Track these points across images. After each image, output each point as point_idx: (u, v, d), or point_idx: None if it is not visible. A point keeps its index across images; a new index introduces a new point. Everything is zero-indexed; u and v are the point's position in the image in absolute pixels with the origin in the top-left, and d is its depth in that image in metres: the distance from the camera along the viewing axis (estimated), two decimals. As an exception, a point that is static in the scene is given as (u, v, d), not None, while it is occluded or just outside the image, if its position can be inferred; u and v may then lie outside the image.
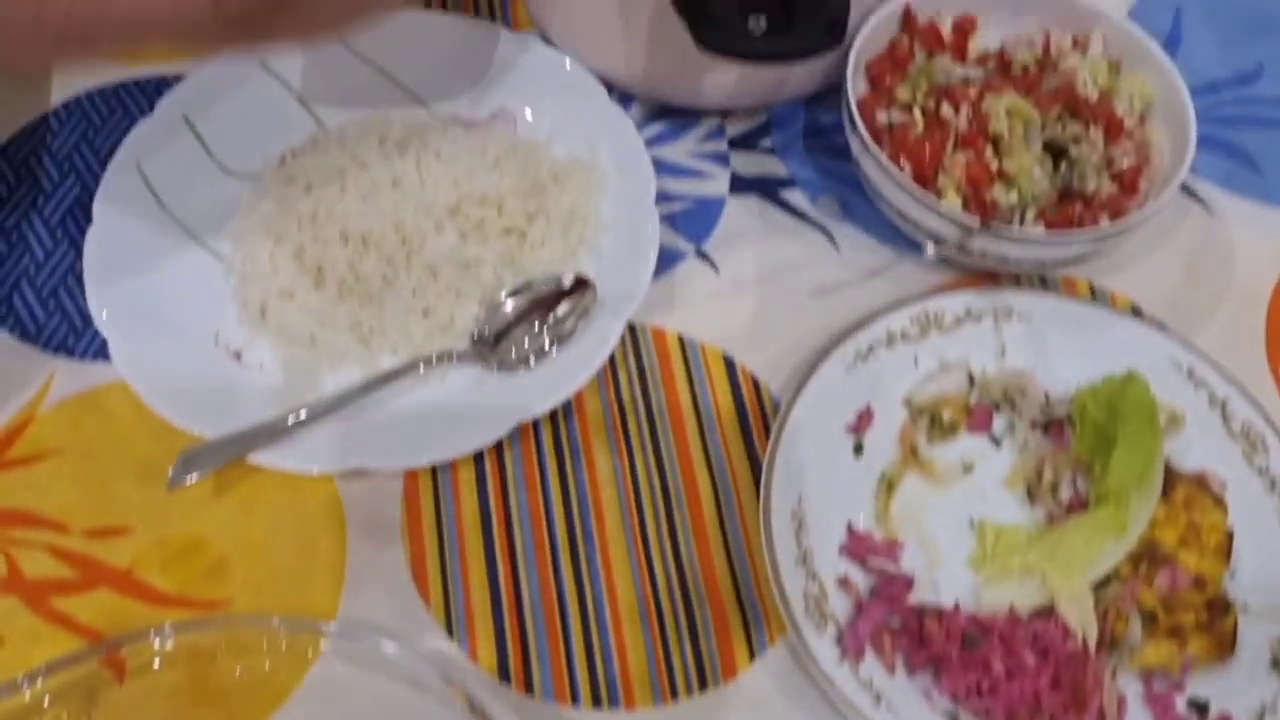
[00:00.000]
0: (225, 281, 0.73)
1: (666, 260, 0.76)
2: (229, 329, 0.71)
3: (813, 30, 0.65)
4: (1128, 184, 0.74)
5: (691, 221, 0.78)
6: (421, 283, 0.71)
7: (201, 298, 0.72)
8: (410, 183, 0.74)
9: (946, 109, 0.75)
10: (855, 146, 0.73)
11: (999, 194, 0.72)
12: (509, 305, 0.71)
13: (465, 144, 0.76)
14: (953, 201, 0.71)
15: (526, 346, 0.70)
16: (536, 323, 0.71)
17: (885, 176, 0.71)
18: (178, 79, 0.78)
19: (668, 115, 0.83)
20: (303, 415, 0.66)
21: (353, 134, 0.77)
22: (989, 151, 0.73)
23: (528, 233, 0.74)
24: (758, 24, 0.68)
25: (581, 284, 0.71)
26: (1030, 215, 0.72)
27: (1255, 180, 0.82)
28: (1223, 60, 0.88)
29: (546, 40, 0.82)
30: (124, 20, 0.52)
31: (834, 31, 0.65)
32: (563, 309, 0.71)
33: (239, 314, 0.72)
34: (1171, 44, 0.88)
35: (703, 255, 0.77)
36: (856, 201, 0.79)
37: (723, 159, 0.81)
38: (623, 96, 0.82)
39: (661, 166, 0.80)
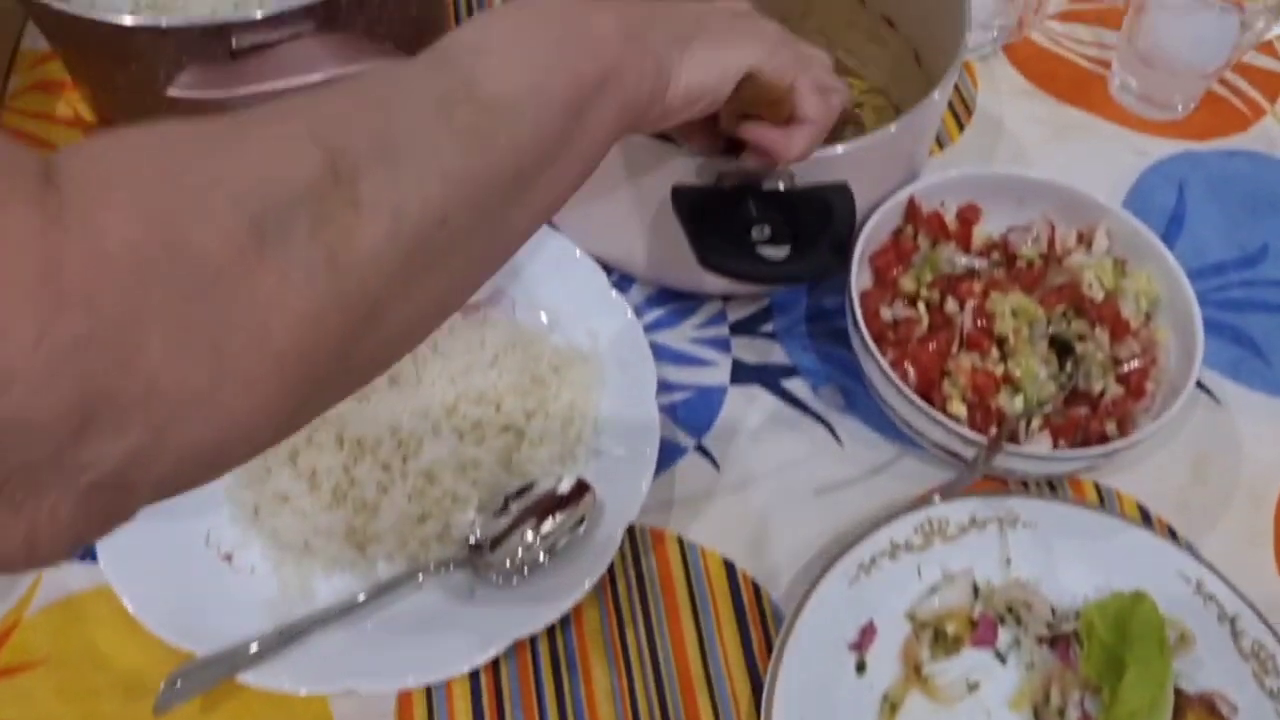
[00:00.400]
0: (218, 479, 0.72)
1: (666, 455, 0.75)
2: (220, 528, 0.70)
3: (818, 252, 0.64)
4: (1134, 387, 0.73)
5: (692, 412, 0.77)
6: (418, 488, 0.70)
7: (193, 494, 0.71)
8: (408, 380, 0.73)
9: (952, 305, 0.75)
10: (858, 347, 0.72)
11: (1004, 401, 0.71)
12: (507, 511, 0.70)
13: (463, 337, 0.75)
14: (957, 410, 0.70)
15: (523, 555, 0.69)
16: (534, 530, 0.69)
17: (889, 384, 0.70)
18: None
19: (669, 299, 0.82)
20: (293, 633, 0.64)
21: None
22: (995, 352, 0.72)
23: (526, 431, 0.73)
24: (762, 233, 0.67)
25: (581, 488, 0.70)
26: (1036, 423, 0.71)
27: (1262, 369, 0.81)
28: (1227, 240, 0.87)
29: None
30: None
31: (840, 253, 0.64)
32: (561, 516, 0.70)
33: (231, 513, 0.71)
34: (1175, 222, 0.88)
35: (703, 450, 0.76)
36: (859, 392, 0.78)
37: (724, 345, 0.80)
38: (622, 277, 0.81)
39: (662, 353, 0.79)
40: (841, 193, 0.67)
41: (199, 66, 0.73)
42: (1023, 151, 0.92)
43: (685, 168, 0.68)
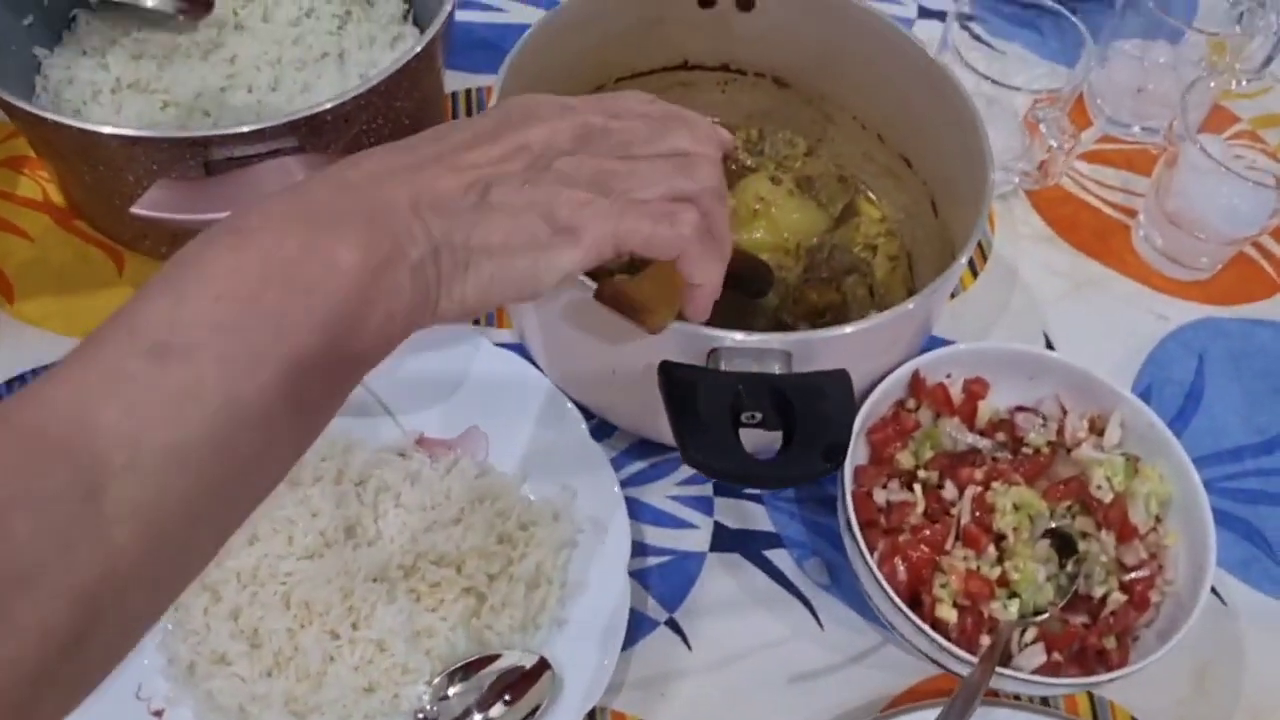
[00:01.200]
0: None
1: (636, 628, 0.70)
2: (152, 681, 0.66)
3: (810, 457, 0.59)
4: (1138, 597, 0.68)
5: (667, 580, 0.73)
6: (367, 657, 0.65)
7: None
8: (365, 534, 0.68)
9: (950, 490, 0.70)
10: (847, 541, 0.68)
11: (998, 610, 0.66)
12: (459, 686, 0.65)
13: (428, 488, 0.71)
14: (947, 614, 0.66)
15: (474, 739, 0.64)
16: (488, 710, 0.65)
17: (876, 586, 0.65)
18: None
19: (651, 451, 0.77)
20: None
21: (308, 465, 0.72)
22: (991, 550, 0.68)
23: (488, 595, 0.68)
24: (752, 417, 0.62)
25: (541, 665, 0.66)
26: (1030, 634, 0.66)
27: (1273, 570, 0.77)
28: (1246, 422, 0.83)
29: (527, 353, 0.77)
30: None
31: (834, 459, 0.59)
32: (518, 696, 0.65)
33: (165, 667, 0.66)
34: (1193, 398, 0.83)
35: (674, 625, 0.71)
36: (845, 567, 0.73)
37: (706, 505, 0.76)
38: (603, 422, 0.77)
39: (640, 511, 0.75)
40: (840, 384, 0.62)
41: (169, 183, 0.68)
42: (1038, 306, 0.87)
43: (675, 341, 0.64)
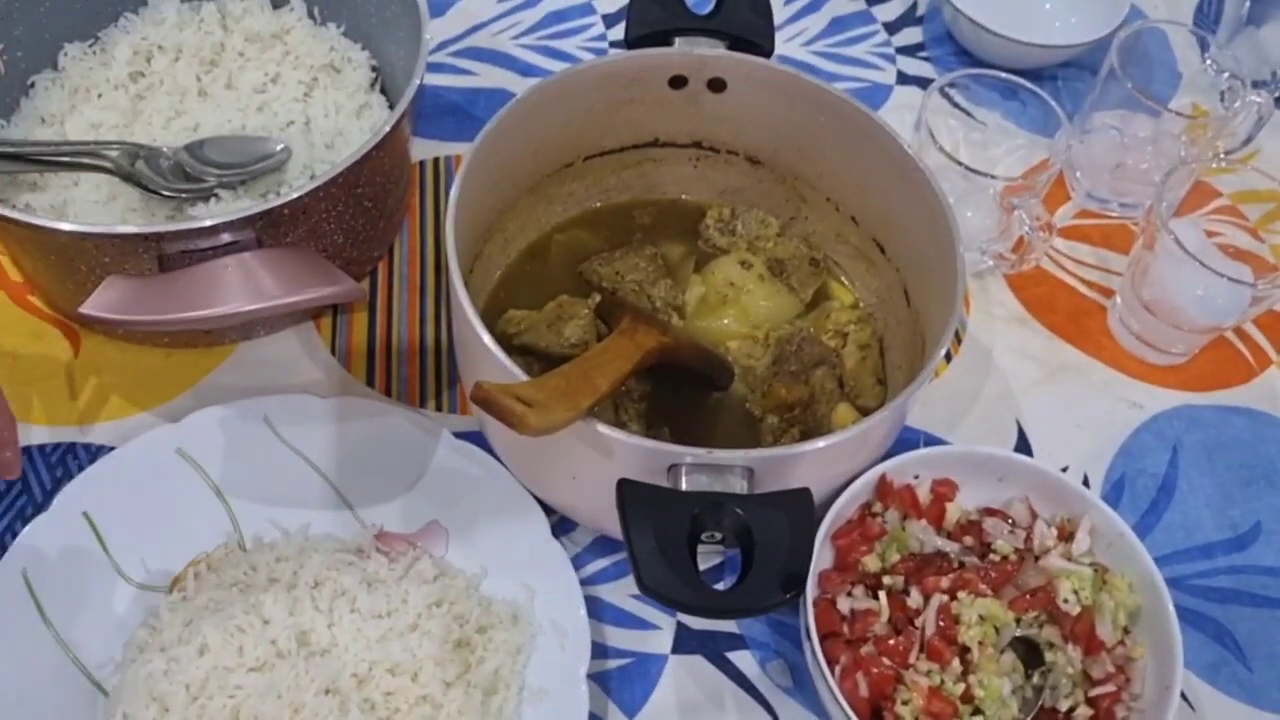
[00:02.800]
0: (106, 726, 0.66)
1: (594, 735, 0.69)
2: (97, 796, 0.64)
3: (767, 585, 0.58)
4: (1104, 713, 0.67)
5: (627, 684, 0.71)
6: (316, 773, 0.64)
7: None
8: (319, 643, 0.67)
9: (916, 598, 0.69)
10: (809, 656, 0.67)
11: (961, 730, 0.65)
12: (412, 801, 0.64)
13: (384, 593, 0.69)
14: (909, 733, 0.65)
15: None
16: (437, 831, 0.64)
17: (837, 707, 0.64)
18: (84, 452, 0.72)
19: (612, 548, 0.76)
20: None
21: (262, 566, 0.70)
22: (956, 664, 0.67)
23: (444, 704, 0.67)
24: (711, 537, 0.61)
25: (494, 781, 0.64)
26: (994, 755, 0.65)
27: (1243, 676, 0.76)
28: (1219, 516, 0.81)
29: (490, 446, 0.75)
30: None
31: (791, 586, 0.58)
32: (469, 816, 0.64)
33: (109, 784, 0.65)
34: (1165, 490, 0.82)
35: (633, 733, 0.70)
36: (808, 668, 0.72)
37: (669, 604, 0.74)
38: (564, 519, 0.75)
39: (601, 610, 0.74)
40: (801, 506, 0.61)
41: (120, 281, 0.67)
42: (1011, 394, 0.86)
43: (634, 456, 0.62)
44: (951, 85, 0.92)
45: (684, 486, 0.61)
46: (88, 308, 0.66)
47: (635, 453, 0.63)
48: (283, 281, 0.68)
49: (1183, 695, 0.73)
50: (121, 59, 0.86)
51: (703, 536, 0.61)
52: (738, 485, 0.62)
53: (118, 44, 0.86)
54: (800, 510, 0.61)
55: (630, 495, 0.60)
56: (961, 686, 0.66)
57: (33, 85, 0.85)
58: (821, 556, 0.70)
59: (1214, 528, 0.81)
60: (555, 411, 0.59)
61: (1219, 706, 0.75)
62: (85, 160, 0.77)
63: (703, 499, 0.60)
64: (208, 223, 0.67)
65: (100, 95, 0.84)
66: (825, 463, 0.67)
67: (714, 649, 0.73)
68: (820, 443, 0.64)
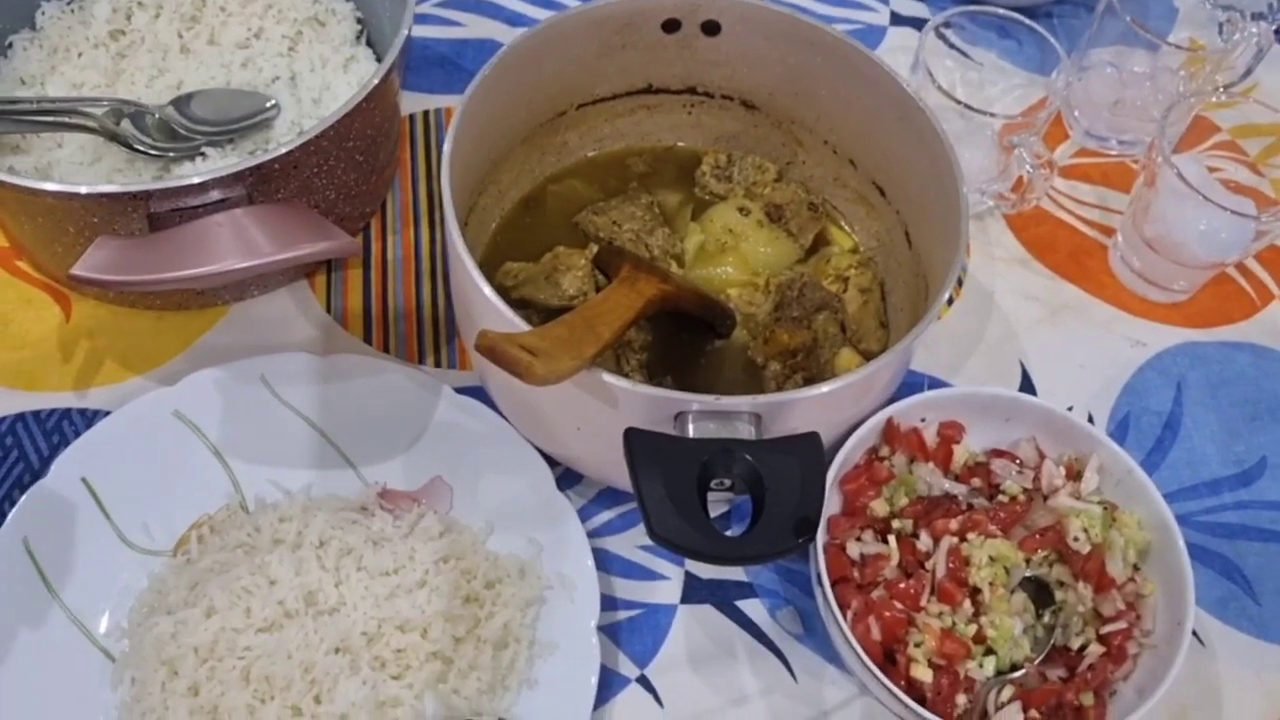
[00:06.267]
0: (112, 691, 0.66)
1: (606, 687, 0.69)
2: (108, 758, 0.64)
3: (780, 531, 0.57)
4: (1116, 649, 0.67)
5: (638, 635, 0.71)
6: (328, 732, 0.63)
7: (85, 710, 0.65)
8: (327, 602, 0.66)
9: (925, 540, 0.69)
10: (820, 600, 0.66)
11: (974, 669, 0.65)
12: (426, 757, 0.64)
13: (390, 550, 0.68)
14: (922, 674, 0.65)
15: (440, 814, 0.63)
16: (452, 786, 0.63)
17: (850, 649, 0.64)
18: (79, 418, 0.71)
19: (618, 500, 0.75)
20: None
21: (266, 526, 0.69)
22: (967, 605, 0.67)
23: (454, 659, 0.67)
24: (720, 484, 0.61)
25: (507, 733, 0.64)
26: (1008, 693, 0.65)
27: (1252, 610, 0.76)
28: (1224, 452, 0.81)
29: (491, 400, 0.75)
30: None
31: (804, 531, 0.58)
32: (483, 771, 0.64)
33: (121, 745, 0.64)
34: (1170, 428, 0.82)
35: (646, 683, 0.70)
36: (818, 614, 0.71)
37: (677, 555, 0.74)
38: (569, 471, 0.75)
39: (609, 562, 0.73)
40: (811, 449, 0.60)
41: (110, 241, 0.65)
42: (1014, 335, 0.85)
43: (641, 405, 0.62)
44: (947, 25, 0.91)
45: (691, 434, 0.61)
46: (78, 269, 0.64)
47: (641, 401, 0.62)
48: (276, 238, 0.66)
49: (1194, 632, 0.74)
50: (101, 16, 0.84)
51: (712, 484, 0.60)
52: (745, 431, 0.61)
53: (97, 1, 0.84)
54: (811, 455, 0.60)
55: (638, 444, 0.59)
56: (973, 627, 0.66)
57: (10, 46, 0.83)
58: (829, 502, 0.70)
59: (1219, 464, 0.81)
60: (560, 360, 0.58)
61: (1229, 641, 0.75)
62: (69, 120, 0.75)
63: (711, 446, 0.60)
64: (197, 180, 0.66)
65: (80, 54, 0.82)
66: (832, 407, 0.67)
67: (723, 598, 0.73)
68: (825, 387, 0.63)
